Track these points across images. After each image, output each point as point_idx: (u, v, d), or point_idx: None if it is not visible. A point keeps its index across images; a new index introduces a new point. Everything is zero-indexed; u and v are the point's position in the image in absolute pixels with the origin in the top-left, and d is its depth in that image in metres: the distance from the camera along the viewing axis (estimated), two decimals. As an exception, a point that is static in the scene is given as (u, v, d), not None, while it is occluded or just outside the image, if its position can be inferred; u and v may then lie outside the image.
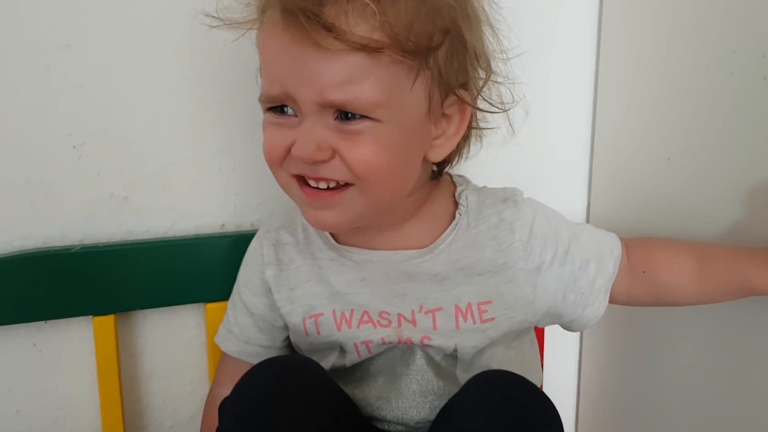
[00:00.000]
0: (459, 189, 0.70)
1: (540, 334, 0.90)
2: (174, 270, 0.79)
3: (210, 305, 0.81)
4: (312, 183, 0.61)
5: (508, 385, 0.58)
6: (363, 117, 0.57)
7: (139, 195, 0.80)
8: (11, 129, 0.74)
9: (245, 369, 0.61)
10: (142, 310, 0.82)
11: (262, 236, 0.74)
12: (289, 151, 0.60)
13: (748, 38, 0.70)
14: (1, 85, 0.73)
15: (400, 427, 0.68)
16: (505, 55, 0.65)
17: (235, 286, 0.76)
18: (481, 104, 0.66)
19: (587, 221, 0.95)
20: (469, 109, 0.63)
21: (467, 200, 0.69)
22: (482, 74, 0.64)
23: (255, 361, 0.65)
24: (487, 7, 0.63)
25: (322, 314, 0.68)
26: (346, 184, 0.60)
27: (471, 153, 0.70)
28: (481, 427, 0.55)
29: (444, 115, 0.63)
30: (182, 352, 0.85)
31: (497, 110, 0.66)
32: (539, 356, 0.77)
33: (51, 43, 0.74)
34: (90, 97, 0.76)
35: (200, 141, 0.81)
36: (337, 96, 0.56)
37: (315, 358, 0.68)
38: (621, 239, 0.73)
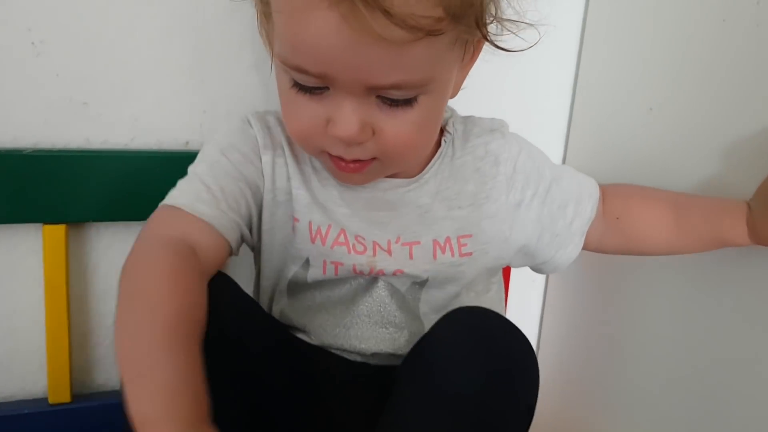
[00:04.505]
0: (445, 116, 0.68)
1: (506, 279, 0.89)
2: (132, 183, 0.75)
3: (168, 223, 0.77)
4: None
5: (483, 319, 0.57)
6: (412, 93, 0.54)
7: (100, 102, 0.75)
8: (-36, 18, 0.69)
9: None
10: (96, 224, 0.78)
11: (249, 116, 0.66)
12: (324, 128, 0.56)
13: (743, -16, 0.68)
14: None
15: (355, 356, 0.67)
16: None
17: (212, 154, 0.64)
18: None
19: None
20: (483, 41, 0.60)
21: (454, 128, 0.68)
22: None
23: (217, 242, 0.59)
24: None
25: (298, 221, 0.65)
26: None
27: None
28: (458, 360, 0.53)
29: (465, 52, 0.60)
30: (136, 272, 0.81)
31: (508, 50, 0.61)
32: (504, 302, 0.76)
33: (14, -72, 0.68)
34: (54, -10, 0.71)
35: (171, 52, 0.76)
36: (391, 80, 0.52)
37: (276, 267, 0.66)
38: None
